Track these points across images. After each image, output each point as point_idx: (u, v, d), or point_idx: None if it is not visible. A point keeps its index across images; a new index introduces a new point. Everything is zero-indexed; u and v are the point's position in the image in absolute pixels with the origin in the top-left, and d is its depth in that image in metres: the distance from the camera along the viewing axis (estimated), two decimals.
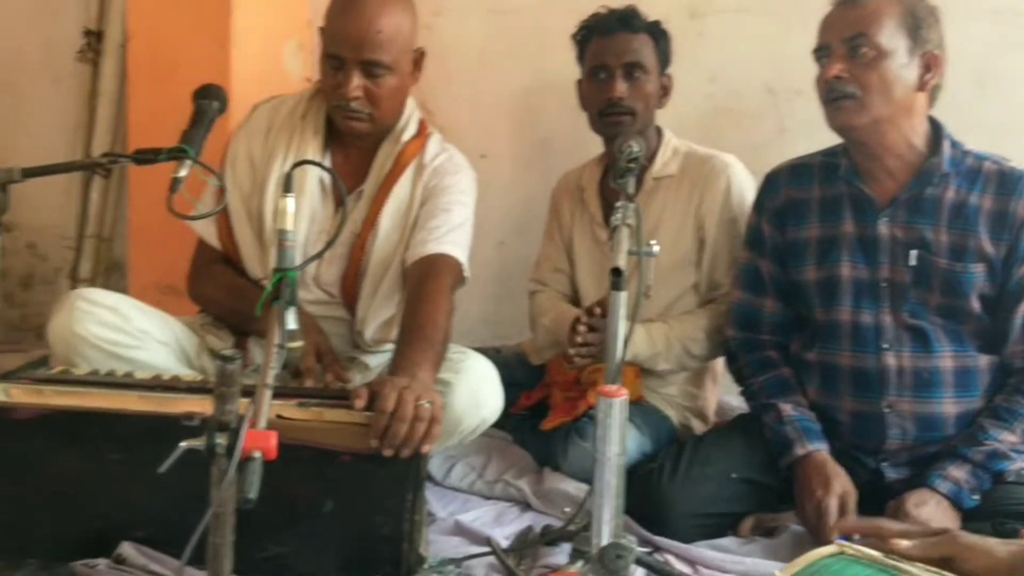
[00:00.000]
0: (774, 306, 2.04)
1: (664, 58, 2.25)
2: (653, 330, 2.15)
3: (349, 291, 2.04)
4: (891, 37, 1.81)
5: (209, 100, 1.87)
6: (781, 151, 2.27)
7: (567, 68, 2.34)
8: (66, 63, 3.20)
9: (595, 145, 2.33)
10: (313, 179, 2.01)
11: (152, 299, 2.19)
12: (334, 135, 2.06)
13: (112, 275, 3.23)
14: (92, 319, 1.84)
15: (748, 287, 2.07)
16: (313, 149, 2.04)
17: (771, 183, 2.06)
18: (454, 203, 2.03)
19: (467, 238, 2.05)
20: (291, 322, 1.42)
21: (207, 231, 2.09)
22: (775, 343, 2.05)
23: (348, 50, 1.93)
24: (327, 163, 2.04)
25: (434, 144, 2.10)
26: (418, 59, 2.04)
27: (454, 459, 2.14)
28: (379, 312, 2.03)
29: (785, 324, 2.05)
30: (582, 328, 2.03)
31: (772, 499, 1.92)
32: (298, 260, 1.46)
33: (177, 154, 1.77)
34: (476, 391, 1.84)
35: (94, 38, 3.10)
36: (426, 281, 1.90)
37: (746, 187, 2.23)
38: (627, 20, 2.21)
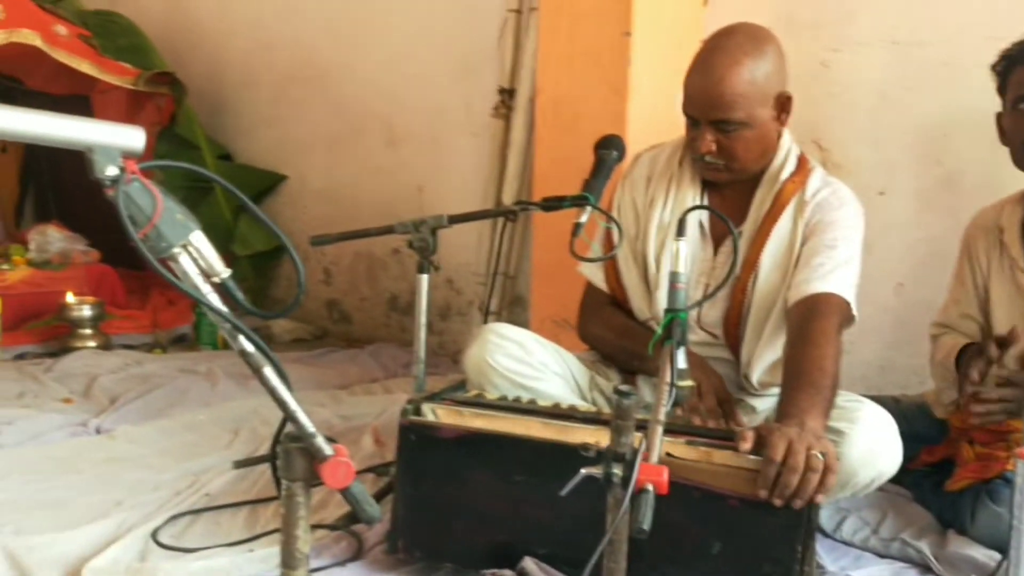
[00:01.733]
0: None
1: None
2: None
3: (732, 332, 2.05)
4: None
5: (609, 150, 2.01)
6: None
7: (980, 100, 2.16)
8: (482, 118, 3.59)
9: (1011, 181, 2.13)
10: (693, 223, 2.06)
11: (549, 332, 2.37)
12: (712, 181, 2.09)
13: (515, 308, 3.53)
14: (501, 351, 2.02)
15: None
16: (691, 193, 2.07)
17: None
18: (839, 239, 1.96)
19: (854, 276, 1.96)
20: (681, 361, 1.46)
21: (595, 275, 2.20)
22: None
23: (698, 110, 1.95)
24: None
25: (816, 179, 2.04)
26: (784, 103, 1.98)
27: (846, 512, 2.04)
28: (764, 354, 2.01)
29: None
30: (992, 396, 1.84)
31: None
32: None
33: (579, 201, 1.92)
34: (872, 443, 1.75)
35: (507, 95, 3.44)
36: (811, 322, 1.84)
37: None
38: None
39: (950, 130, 2.66)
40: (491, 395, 1.95)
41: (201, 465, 2.34)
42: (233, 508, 2.07)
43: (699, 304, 1.88)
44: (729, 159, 1.97)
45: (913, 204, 2.75)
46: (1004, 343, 1.88)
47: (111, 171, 0.96)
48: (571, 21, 2.79)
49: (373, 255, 4.12)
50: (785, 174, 2.03)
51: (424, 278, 2.07)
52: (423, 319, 2.09)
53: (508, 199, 3.38)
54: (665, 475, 1.21)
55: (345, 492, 1.09)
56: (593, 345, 2.23)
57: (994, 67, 2.10)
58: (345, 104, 4.14)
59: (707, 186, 2.09)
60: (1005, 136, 2.08)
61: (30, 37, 3.70)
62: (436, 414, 1.81)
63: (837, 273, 1.92)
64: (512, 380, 2.01)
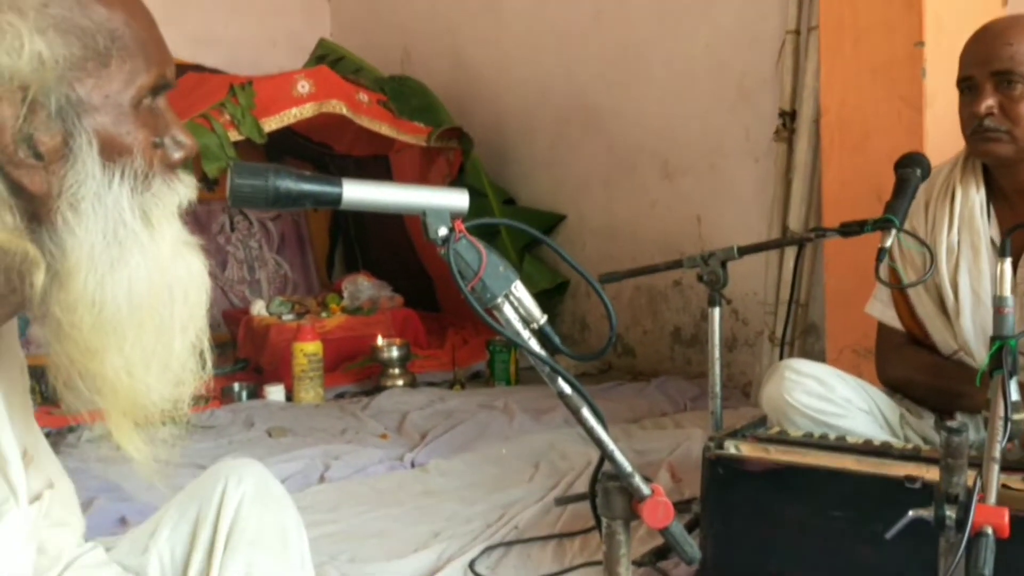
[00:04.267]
0: None
1: None
2: None
3: None
4: None
5: (912, 168, 1.90)
6: None
7: None
8: (761, 144, 3.52)
9: None
10: (984, 241, 1.90)
11: (848, 362, 2.26)
12: (995, 190, 1.93)
13: (808, 337, 3.39)
14: (800, 388, 1.95)
15: None
16: (977, 209, 1.92)
17: None
18: None
19: None
20: (1014, 392, 1.35)
21: (886, 315, 2.08)
22: None
23: (976, 67, 1.84)
24: (992, 221, 1.91)
25: None
26: None
27: None
28: None
29: None
30: None
31: None
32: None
33: (883, 225, 1.83)
34: None
35: (788, 118, 3.35)
36: None
37: None
38: None
39: None
40: (794, 433, 1.90)
41: (508, 497, 2.45)
42: (542, 541, 2.16)
43: None
44: (1013, 122, 1.82)
45: None
46: None
47: (442, 232, 1.04)
48: (855, 36, 2.68)
49: (654, 288, 4.14)
50: None
51: (715, 311, 2.05)
52: (717, 353, 2.07)
53: (795, 224, 3.28)
54: (1006, 517, 1.12)
55: (665, 531, 1.10)
56: (899, 389, 2.09)
57: None
58: (619, 141, 4.22)
59: (992, 198, 1.94)
60: None
61: (338, 107, 4.10)
62: (740, 450, 1.78)
63: None
64: (814, 418, 1.94)
